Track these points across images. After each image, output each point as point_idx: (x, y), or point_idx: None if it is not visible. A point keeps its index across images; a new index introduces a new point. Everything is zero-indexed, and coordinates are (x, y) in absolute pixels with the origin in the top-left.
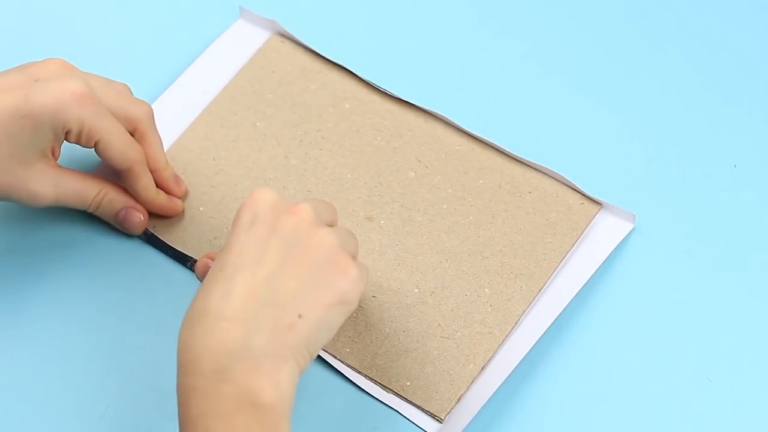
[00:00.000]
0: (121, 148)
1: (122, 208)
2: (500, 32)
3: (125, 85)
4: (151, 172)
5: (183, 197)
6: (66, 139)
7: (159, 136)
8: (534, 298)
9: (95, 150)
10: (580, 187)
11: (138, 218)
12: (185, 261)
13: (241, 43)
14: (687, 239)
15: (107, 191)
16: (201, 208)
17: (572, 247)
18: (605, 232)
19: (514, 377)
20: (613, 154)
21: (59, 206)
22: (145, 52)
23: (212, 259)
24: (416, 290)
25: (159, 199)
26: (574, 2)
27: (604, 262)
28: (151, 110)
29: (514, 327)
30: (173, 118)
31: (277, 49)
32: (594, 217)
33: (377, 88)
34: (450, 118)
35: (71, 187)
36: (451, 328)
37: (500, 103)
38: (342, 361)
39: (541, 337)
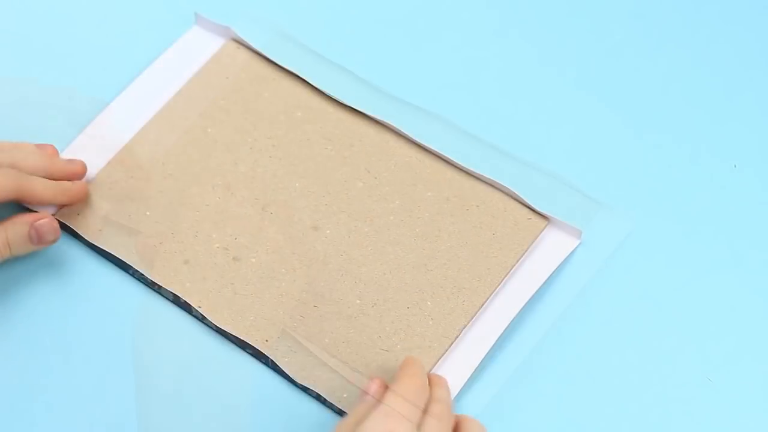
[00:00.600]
0: None
1: (29, 228)
2: (499, 32)
3: None
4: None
5: (83, 172)
6: None
7: (15, 143)
8: (476, 313)
9: None
10: (529, 202)
11: (47, 224)
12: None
13: (195, 50)
14: (687, 239)
15: (6, 228)
16: (147, 213)
17: (516, 262)
18: (551, 248)
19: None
20: (613, 153)
21: None
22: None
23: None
24: (358, 301)
25: (63, 187)
26: (574, 3)
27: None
28: None
29: (454, 342)
30: (125, 123)
31: (231, 55)
32: (541, 232)
33: (329, 97)
34: (401, 129)
35: None
36: (390, 341)
37: (500, 103)
38: (281, 370)
39: (485, 355)
